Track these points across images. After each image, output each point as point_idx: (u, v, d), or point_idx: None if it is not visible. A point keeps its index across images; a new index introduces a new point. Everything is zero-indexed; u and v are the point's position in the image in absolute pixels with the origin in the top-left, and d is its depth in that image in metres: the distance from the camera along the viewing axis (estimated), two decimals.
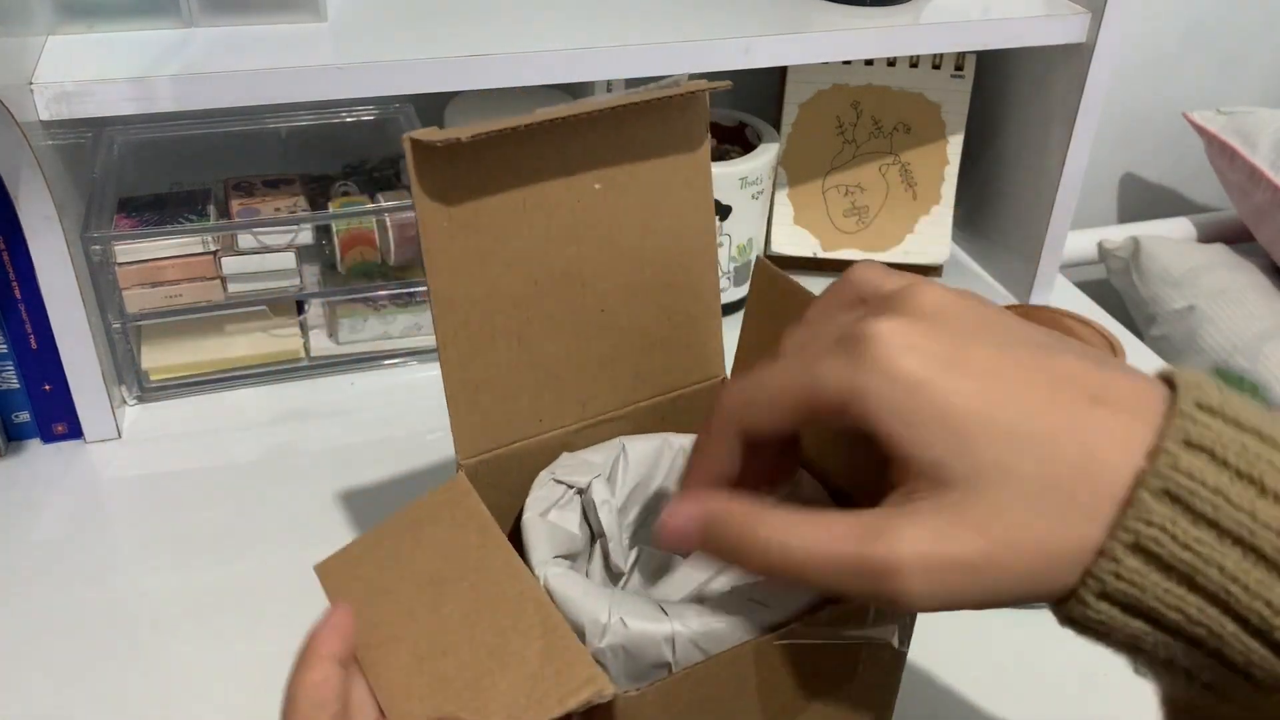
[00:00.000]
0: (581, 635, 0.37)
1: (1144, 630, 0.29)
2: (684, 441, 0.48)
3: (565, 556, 0.42)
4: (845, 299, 0.34)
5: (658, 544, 0.35)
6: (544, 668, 0.35)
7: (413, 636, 0.39)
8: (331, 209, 0.75)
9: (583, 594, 0.38)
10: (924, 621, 0.60)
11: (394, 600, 0.40)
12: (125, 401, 0.74)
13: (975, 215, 0.96)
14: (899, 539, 0.29)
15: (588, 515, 0.45)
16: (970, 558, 0.29)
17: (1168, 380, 0.30)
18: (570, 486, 0.45)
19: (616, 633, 0.37)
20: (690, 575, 0.48)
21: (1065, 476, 0.28)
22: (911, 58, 0.87)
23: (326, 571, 0.43)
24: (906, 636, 0.43)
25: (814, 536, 0.31)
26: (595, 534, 0.45)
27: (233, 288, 0.73)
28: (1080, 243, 1.13)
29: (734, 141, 0.87)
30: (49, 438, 0.71)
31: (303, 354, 0.78)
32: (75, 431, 0.71)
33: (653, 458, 0.48)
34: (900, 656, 0.45)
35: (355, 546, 0.44)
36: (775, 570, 0.31)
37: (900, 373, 0.30)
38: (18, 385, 0.69)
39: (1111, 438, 0.28)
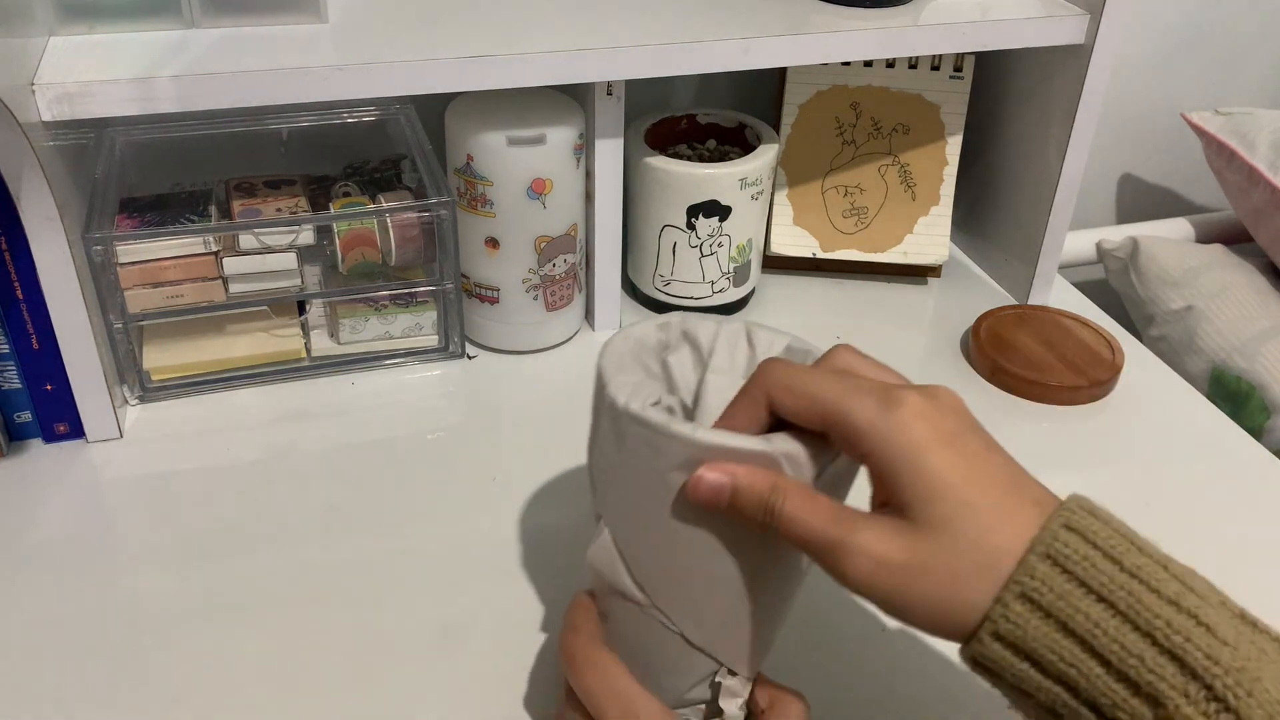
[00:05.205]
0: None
1: (1028, 673, 0.37)
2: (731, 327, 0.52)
3: None
4: (892, 376, 0.44)
5: (693, 498, 0.42)
6: None
7: None
8: (333, 209, 0.75)
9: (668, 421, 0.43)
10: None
11: None
12: (127, 401, 0.74)
13: (974, 216, 0.97)
14: (856, 531, 0.40)
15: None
16: (897, 563, 0.39)
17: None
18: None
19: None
20: None
21: (988, 545, 0.38)
22: (910, 59, 0.87)
23: None
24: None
25: (808, 510, 0.41)
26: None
27: (234, 288, 0.74)
28: (1079, 243, 1.13)
29: (734, 142, 0.87)
30: (51, 437, 0.71)
31: (304, 354, 0.78)
32: (77, 431, 0.71)
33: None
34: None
35: None
36: (778, 527, 0.41)
37: (913, 433, 0.39)
38: (19, 385, 0.69)
39: (1026, 526, 0.38)
